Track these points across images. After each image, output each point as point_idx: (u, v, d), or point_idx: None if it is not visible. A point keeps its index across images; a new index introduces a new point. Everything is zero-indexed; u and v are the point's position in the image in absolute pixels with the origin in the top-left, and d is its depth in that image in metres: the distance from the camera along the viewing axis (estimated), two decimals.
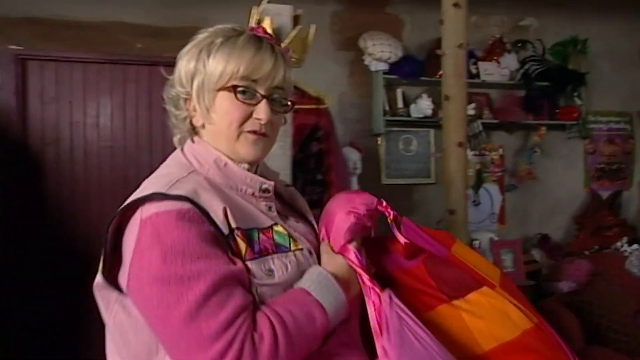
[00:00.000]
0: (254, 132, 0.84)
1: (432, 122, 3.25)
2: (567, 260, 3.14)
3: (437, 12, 3.44)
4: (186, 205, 0.73)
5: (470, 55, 3.43)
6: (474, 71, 3.38)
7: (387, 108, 3.24)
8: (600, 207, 3.52)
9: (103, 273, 0.78)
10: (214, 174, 0.83)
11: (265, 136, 0.86)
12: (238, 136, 0.84)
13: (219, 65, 0.82)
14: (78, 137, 2.90)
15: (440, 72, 3.23)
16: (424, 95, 3.20)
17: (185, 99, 0.86)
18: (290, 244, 0.83)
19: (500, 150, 3.55)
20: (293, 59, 0.94)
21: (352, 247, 0.86)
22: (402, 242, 0.90)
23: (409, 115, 3.24)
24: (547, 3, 3.60)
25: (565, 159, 3.69)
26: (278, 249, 0.81)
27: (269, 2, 1.22)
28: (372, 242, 0.94)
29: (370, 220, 0.90)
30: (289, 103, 0.89)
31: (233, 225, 0.76)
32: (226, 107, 0.83)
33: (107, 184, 2.91)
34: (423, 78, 3.23)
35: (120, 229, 0.76)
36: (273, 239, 0.81)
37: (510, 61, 3.48)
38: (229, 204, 0.78)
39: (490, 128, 3.47)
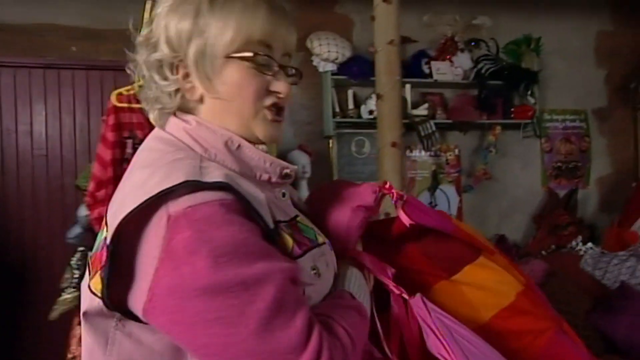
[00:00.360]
0: (274, 106, 0.70)
1: None
2: (522, 261, 3.09)
3: None
4: (229, 196, 0.59)
5: (423, 54, 3.39)
6: (426, 71, 3.33)
7: (337, 109, 3.17)
8: (556, 206, 3.49)
9: (102, 296, 0.60)
10: (224, 159, 0.67)
11: (282, 111, 0.72)
12: (256, 114, 0.69)
13: (229, 27, 0.66)
14: (10, 146, 2.77)
15: None
16: (374, 96, 3.12)
17: (174, 65, 0.68)
18: (316, 237, 0.72)
19: (456, 151, 3.50)
20: None
21: (365, 253, 0.81)
22: (407, 224, 0.85)
23: (359, 116, 3.17)
24: (500, 2, 3.58)
25: (522, 158, 3.66)
26: (311, 242, 0.69)
27: None
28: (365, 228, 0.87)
29: (378, 209, 0.86)
30: (297, 71, 0.75)
31: (277, 217, 0.65)
32: (240, 79, 0.67)
33: (42, 195, 2.77)
34: (374, 78, 3.16)
35: (124, 236, 0.59)
36: (301, 232, 0.70)
37: (463, 60, 3.45)
38: (263, 193, 0.65)
39: (445, 128, 3.43)
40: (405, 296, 0.79)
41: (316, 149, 3.23)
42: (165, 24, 0.68)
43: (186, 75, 0.69)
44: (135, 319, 0.60)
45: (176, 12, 0.67)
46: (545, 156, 3.71)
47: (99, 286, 0.60)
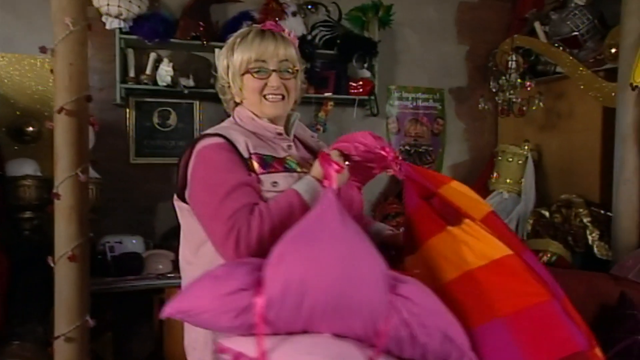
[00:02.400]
0: (271, 95, 1.19)
1: (197, 92, 2.82)
2: None
3: None
4: (221, 140, 1.13)
5: (247, 16, 2.99)
6: None
7: (132, 74, 2.77)
8: (391, 193, 3.17)
9: (176, 192, 1.17)
10: (249, 125, 1.20)
11: (282, 98, 1.19)
12: (260, 101, 1.19)
13: (239, 58, 1.19)
14: None
15: (192, 34, 2.82)
16: (166, 60, 2.73)
17: (228, 86, 1.24)
18: (297, 168, 1.16)
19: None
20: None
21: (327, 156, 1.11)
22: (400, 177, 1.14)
23: (156, 83, 2.77)
24: None
25: None
26: (286, 169, 1.15)
27: None
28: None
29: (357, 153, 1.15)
30: (295, 69, 1.22)
31: (251, 151, 1.13)
32: (249, 84, 1.19)
33: None
34: (173, 40, 2.77)
35: (182, 161, 1.16)
36: (284, 164, 1.16)
37: (295, 25, 3.03)
38: (253, 141, 1.16)
39: None
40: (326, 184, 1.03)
41: (109, 120, 2.83)
42: (218, 64, 1.26)
43: (231, 90, 1.24)
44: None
45: (221, 55, 1.24)
46: (393, 138, 3.37)
47: (177, 187, 1.18)
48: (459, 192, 1.14)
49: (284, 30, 1.25)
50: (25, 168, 2.54)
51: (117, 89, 2.71)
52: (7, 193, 2.46)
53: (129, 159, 2.87)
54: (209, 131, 1.17)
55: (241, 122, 1.21)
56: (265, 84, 1.18)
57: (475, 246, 1.02)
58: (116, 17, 2.61)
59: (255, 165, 1.11)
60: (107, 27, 2.67)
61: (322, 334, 0.87)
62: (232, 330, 0.89)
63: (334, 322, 0.86)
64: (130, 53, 2.79)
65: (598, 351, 1.01)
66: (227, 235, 1.01)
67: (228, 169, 1.09)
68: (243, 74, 1.18)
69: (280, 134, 1.20)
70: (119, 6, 2.57)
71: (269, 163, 1.13)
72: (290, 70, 1.21)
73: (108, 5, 2.56)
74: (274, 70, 1.18)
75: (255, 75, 1.18)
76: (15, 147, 2.67)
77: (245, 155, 1.11)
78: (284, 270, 0.86)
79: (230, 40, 1.22)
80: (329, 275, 0.84)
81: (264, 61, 1.17)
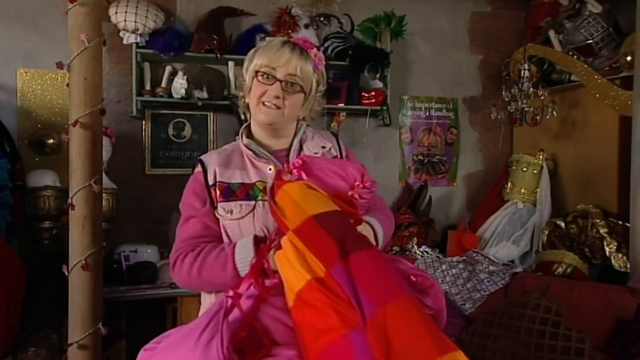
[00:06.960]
0: (267, 102, 1.20)
1: (211, 104, 2.87)
2: None
3: None
4: (199, 169, 1.25)
5: (260, 29, 3.04)
6: None
7: (147, 87, 2.83)
8: (404, 204, 3.15)
9: None
10: (241, 146, 1.28)
11: (278, 108, 1.21)
12: (257, 106, 1.22)
13: (255, 59, 1.23)
14: None
15: (206, 47, 2.88)
16: (180, 73, 2.79)
17: (243, 85, 1.30)
18: (257, 196, 1.19)
19: None
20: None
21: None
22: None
23: (171, 95, 2.83)
24: None
25: (377, 149, 3.32)
26: (246, 197, 1.19)
27: None
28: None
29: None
30: (301, 87, 1.23)
31: (218, 179, 1.21)
32: (254, 87, 1.23)
33: None
34: (188, 53, 2.83)
35: None
36: (249, 191, 1.19)
37: (307, 37, 3.09)
38: (226, 166, 1.24)
39: None
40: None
41: (126, 132, 2.90)
42: (244, 65, 1.30)
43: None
44: None
45: (247, 58, 1.29)
46: (406, 148, 3.37)
47: None
48: (289, 196, 1.05)
49: (311, 49, 1.25)
50: (45, 179, 2.62)
51: (133, 102, 2.79)
52: (28, 203, 2.54)
53: (145, 169, 2.93)
54: (203, 156, 1.29)
55: (239, 139, 1.30)
56: (266, 91, 1.20)
57: (288, 277, 0.96)
58: (133, 32, 2.69)
59: (217, 193, 1.20)
60: (125, 42, 2.75)
61: None
62: None
63: None
64: (147, 67, 2.86)
65: None
66: (172, 256, 1.21)
67: (190, 199, 1.24)
68: (254, 77, 1.22)
69: (261, 157, 1.24)
70: (135, 22, 2.65)
71: (233, 191, 1.20)
72: (296, 87, 1.21)
73: (125, 21, 2.64)
74: (279, 80, 1.19)
75: (261, 79, 1.20)
76: (37, 159, 2.76)
77: (211, 182, 1.22)
78: None
79: (259, 45, 1.28)
80: None
81: (273, 68, 1.19)
